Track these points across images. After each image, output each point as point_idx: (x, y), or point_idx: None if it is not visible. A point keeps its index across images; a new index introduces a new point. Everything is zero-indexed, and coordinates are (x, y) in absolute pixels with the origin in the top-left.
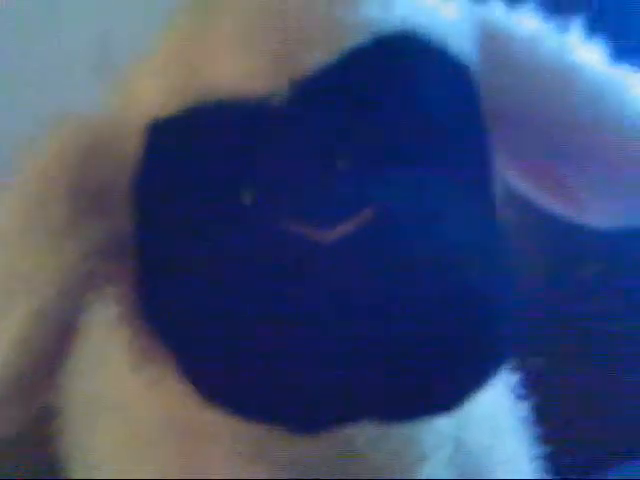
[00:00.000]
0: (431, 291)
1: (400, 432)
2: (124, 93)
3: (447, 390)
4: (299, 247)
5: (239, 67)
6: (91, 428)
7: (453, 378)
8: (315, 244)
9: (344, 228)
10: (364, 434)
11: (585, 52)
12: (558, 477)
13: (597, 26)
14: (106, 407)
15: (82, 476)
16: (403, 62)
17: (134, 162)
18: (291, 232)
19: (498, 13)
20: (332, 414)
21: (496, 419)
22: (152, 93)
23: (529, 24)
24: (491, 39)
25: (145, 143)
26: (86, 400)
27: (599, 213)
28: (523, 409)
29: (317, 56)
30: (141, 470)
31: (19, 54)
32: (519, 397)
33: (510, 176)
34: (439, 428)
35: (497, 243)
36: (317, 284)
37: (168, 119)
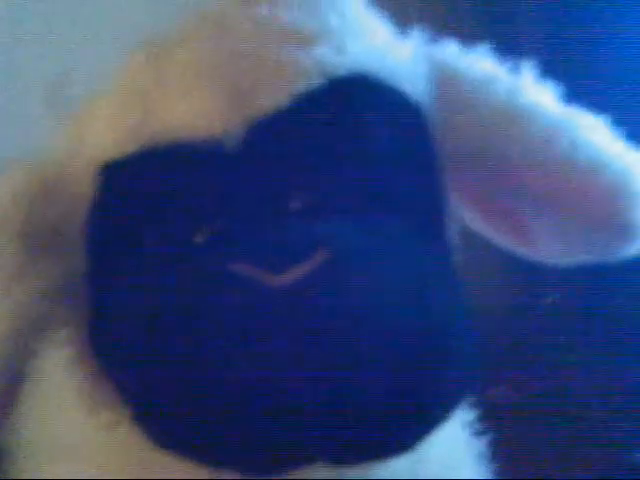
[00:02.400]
0: (386, 334)
1: (353, 473)
2: (76, 133)
3: (401, 433)
4: (248, 290)
5: (192, 108)
6: (40, 474)
7: (407, 421)
8: (266, 287)
9: (296, 271)
10: (316, 476)
11: (538, 93)
12: None
13: (549, 67)
14: (57, 452)
15: None
16: (355, 104)
17: (87, 203)
18: (242, 275)
19: (452, 54)
20: (283, 458)
21: (452, 455)
22: (105, 134)
23: (483, 65)
24: (445, 80)
25: (98, 184)
26: (36, 446)
27: (552, 250)
28: (480, 445)
29: (270, 98)
30: None
31: None
32: (475, 432)
33: (466, 216)
34: (394, 467)
35: (451, 283)
36: (268, 328)
37: (121, 160)
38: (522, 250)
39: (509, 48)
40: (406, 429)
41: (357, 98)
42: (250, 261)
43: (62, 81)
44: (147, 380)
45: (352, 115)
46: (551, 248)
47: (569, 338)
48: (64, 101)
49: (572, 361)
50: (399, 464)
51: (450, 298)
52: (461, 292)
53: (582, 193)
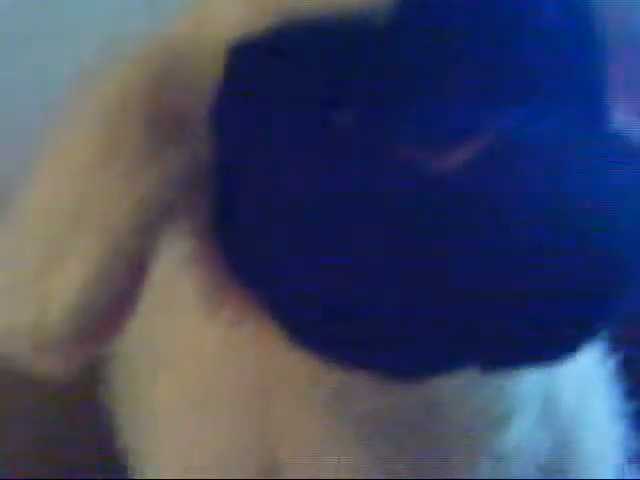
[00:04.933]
0: (552, 235)
1: (489, 386)
2: (200, 11)
3: (554, 342)
4: (409, 173)
5: None
6: (153, 381)
7: (564, 331)
8: (428, 170)
9: (460, 155)
10: (451, 387)
11: None
12: None
13: None
14: (172, 355)
15: (136, 432)
16: None
17: (214, 85)
18: (399, 157)
19: None
20: (429, 360)
21: (584, 376)
22: (234, 9)
23: None
24: None
25: (227, 65)
26: (151, 348)
27: None
28: (611, 366)
29: None
30: (207, 426)
31: None
32: (606, 353)
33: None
34: (527, 384)
35: (622, 191)
36: (433, 219)
37: (253, 38)
38: None
39: None
40: (565, 336)
41: None
42: (408, 142)
43: None
44: (285, 273)
45: None
46: None
47: None
48: None
49: None
50: (532, 384)
51: (623, 208)
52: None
53: None
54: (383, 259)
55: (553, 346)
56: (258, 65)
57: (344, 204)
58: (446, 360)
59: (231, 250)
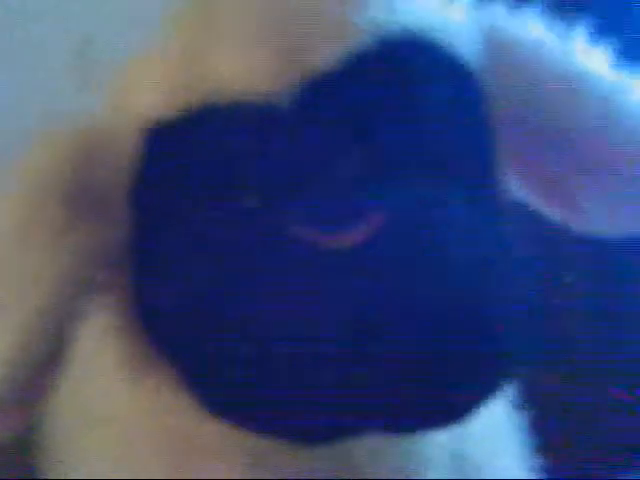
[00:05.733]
0: (441, 303)
1: (399, 445)
2: (120, 94)
3: (452, 404)
4: (309, 253)
5: (245, 66)
6: (80, 442)
7: (459, 391)
8: (325, 251)
9: (354, 235)
10: (364, 447)
11: (590, 57)
12: None
13: (601, 29)
14: (98, 421)
15: None
16: (408, 65)
17: (133, 165)
18: (299, 237)
19: (502, 17)
20: (333, 426)
21: (494, 430)
22: (152, 93)
23: (533, 28)
24: (496, 44)
25: (145, 146)
26: (76, 413)
27: (601, 221)
28: (520, 420)
29: (324, 57)
30: None
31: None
32: (516, 407)
33: (512, 183)
34: (438, 441)
35: (505, 254)
36: (325, 293)
37: (169, 121)
38: (566, 219)
39: (559, 10)
40: (458, 399)
41: (410, 58)
42: (308, 223)
43: (85, 47)
44: (199, 346)
45: (404, 76)
46: (600, 219)
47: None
48: (89, 66)
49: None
50: (443, 440)
51: (505, 269)
52: (513, 261)
53: (634, 161)
54: (283, 327)
55: (448, 409)
56: (172, 147)
57: (245, 280)
58: (344, 427)
59: (150, 323)
